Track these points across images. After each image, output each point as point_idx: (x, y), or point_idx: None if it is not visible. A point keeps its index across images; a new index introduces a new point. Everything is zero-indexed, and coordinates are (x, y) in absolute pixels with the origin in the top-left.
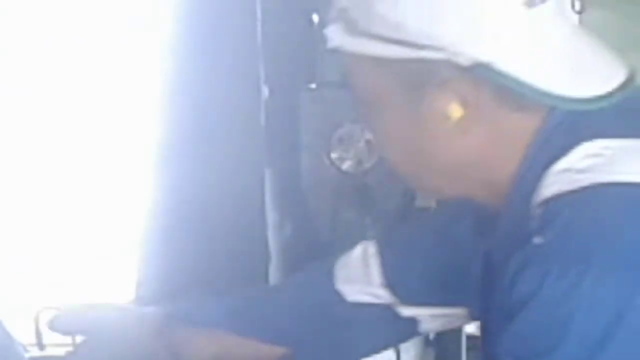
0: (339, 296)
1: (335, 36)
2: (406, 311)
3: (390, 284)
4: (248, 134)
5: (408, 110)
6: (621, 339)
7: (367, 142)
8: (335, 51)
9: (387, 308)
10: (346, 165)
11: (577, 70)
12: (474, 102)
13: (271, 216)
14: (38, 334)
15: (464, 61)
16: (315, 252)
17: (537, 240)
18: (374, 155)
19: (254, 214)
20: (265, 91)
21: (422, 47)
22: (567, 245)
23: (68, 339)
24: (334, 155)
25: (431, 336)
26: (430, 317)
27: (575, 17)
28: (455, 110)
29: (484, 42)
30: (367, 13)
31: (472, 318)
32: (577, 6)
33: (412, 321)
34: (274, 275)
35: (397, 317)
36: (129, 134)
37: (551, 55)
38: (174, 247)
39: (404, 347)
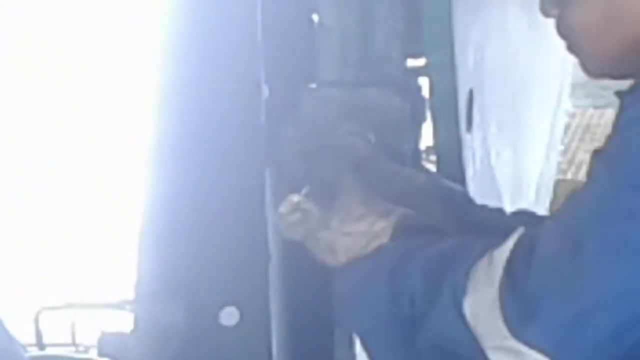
0: None
1: None
2: None
3: None
4: (248, 134)
5: None
6: None
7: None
8: None
9: None
10: None
11: None
12: None
13: (271, 216)
14: (38, 334)
15: None
16: None
17: None
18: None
19: (254, 214)
20: (265, 91)
21: None
22: None
23: (68, 339)
24: None
25: None
26: None
27: None
28: None
29: None
30: None
31: None
32: None
33: None
34: (274, 275)
35: None
36: (127, 134)
37: None
38: (174, 246)
39: None
